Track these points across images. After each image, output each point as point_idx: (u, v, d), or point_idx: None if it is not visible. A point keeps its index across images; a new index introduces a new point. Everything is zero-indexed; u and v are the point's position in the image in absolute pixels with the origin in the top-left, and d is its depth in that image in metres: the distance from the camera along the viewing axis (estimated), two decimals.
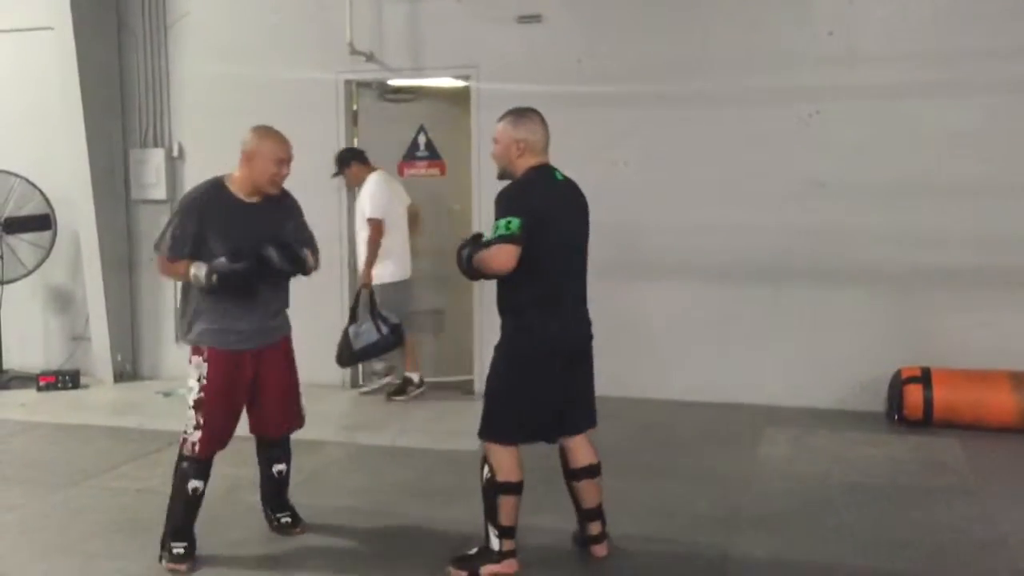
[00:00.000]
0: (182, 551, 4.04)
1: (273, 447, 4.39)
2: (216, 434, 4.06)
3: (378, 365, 7.37)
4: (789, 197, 6.67)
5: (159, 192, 7.89)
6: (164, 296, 7.87)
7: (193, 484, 4.05)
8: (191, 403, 4.06)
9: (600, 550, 4.14)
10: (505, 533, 3.88)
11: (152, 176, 7.91)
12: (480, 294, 7.23)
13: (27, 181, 7.73)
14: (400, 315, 6.75)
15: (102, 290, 7.80)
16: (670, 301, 6.94)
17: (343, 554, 4.20)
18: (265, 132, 4.14)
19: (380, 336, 6.60)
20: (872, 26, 6.53)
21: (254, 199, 4.11)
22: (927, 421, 6.14)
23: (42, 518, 4.73)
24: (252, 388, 4.17)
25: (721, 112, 6.76)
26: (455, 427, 6.34)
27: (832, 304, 6.64)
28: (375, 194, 6.87)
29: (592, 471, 4.08)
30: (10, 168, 7.73)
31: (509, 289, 3.85)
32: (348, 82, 7.52)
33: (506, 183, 3.94)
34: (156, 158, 7.89)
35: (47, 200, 7.76)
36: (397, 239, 7.00)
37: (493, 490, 3.87)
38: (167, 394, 7.24)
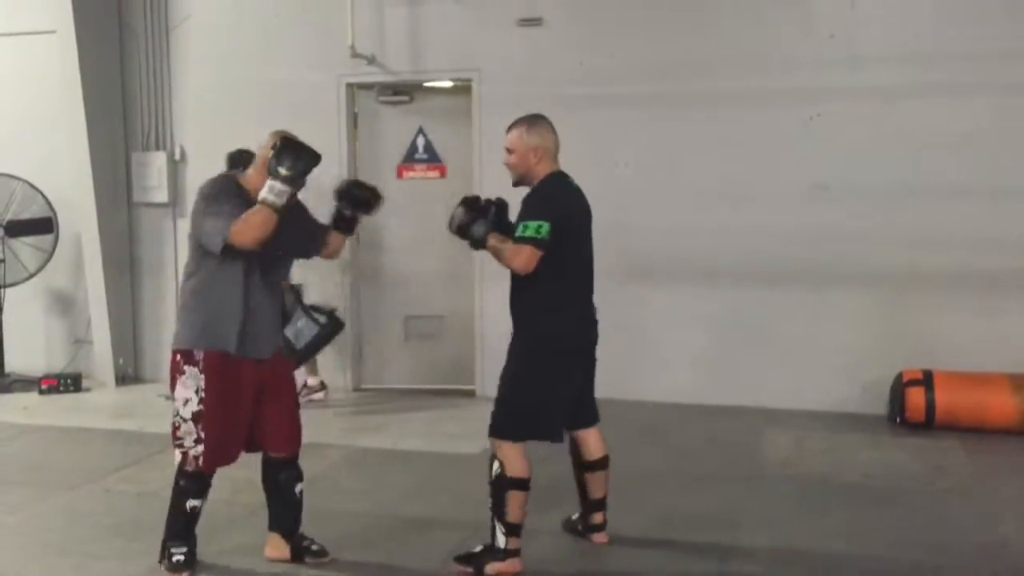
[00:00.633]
0: (182, 558, 3.93)
1: (291, 465, 4.09)
2: (221, 447, 3.86)
3: (311, 380, 7.09)
4: (790, 199, 6.67)
5: (161, 195, 7.90)
6: (166, 299, 7.88)
7: (192, 503, 3.89)
8: (188, 415, 3.82)
9: (602, 538, 4.30)
10: (512, 531, 3.92)
11: (154, 179, 7.92)
12: (481, 300, 7.25)
13: (29, 184, 7.74)
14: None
15: (104, 293, 7.81)
16: (671, 303, 6.94)
17: (344, 557, 4.19)
18: (281, 136, 3.91)
19: (320, 327, 6.56)
20: (873, 28, 6.53)
21: None
22: (929, 423, 6.13)
23: (43, 521, 4.74)
24: (259, 401, 3.94)
25: (722, 114, 6.76)
26: (455, 430, 6.34)
27: (834, 306, 6.64)
28: None
29: (604, 463, 4.26)
30: (12, 171, 7.74)
31: (530, 290, 3.94)
32: (350, 85, 7.53)
33: (523, 189, 4.06)
34: (158, 161, 7.91)
35: (49, 203, 7.77)
36: None
37: (502, 486, 3.90)
38: (169, 397, 7.21)
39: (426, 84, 7.53)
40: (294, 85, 7.51)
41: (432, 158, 7.57)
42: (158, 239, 8.00)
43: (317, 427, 6.41)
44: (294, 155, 3.72)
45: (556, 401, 4.00)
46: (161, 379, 7.93)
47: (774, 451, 5.80)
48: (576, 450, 4.29)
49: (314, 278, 7.26)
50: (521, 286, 3.98)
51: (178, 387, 3.88)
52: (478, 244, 4.02)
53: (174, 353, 3.90)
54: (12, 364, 7.91)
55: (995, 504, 4.84)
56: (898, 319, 6.53)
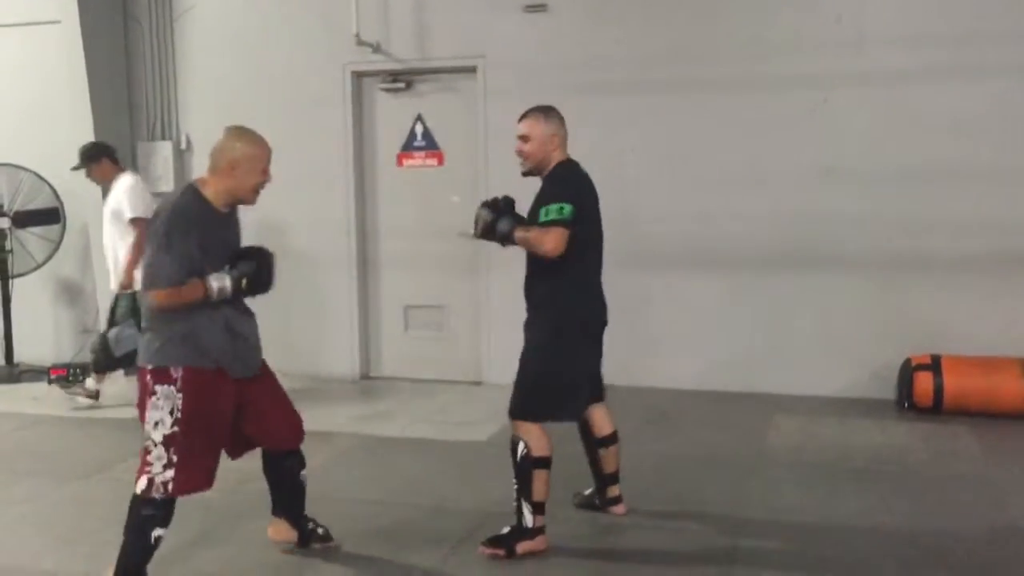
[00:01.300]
0: None
1: (295, 454, 4.01)
2: (195, 473, 3.59)
3: (91, 382, 6.85)
4: (798, 184, 6.65)
5: (167, 185, 7.90)
6: None
7: (157, 533, 3.55)
8: (160, 439, 3.53)
9: (621, 509, 4.46)
10: (537, 509, 4.01)
11: (160, 169, 7.93)
12: (488, 288, 7.24)
13: (36, 175, 7.75)
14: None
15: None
16: (678, 289, 6.94)
17: (354, 544, 4.21)
18: (249, 137, 3.72)
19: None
20: (881, 12, 6.49)
21: (226, 210, 3.70)
22: (937, 408, 6.13)
23: (54, 510, 4.76)
24: (250, 406, 3.77)
25: (729, 99, 6.73)
26: (464, 417, 6.35)
27: (841, 291, 6.63)
28: (139, 193, 6.48)
29: (615, 437, 4.42)
30: (19, 162, 7.76)
31: (553, 271, 3.99)
32: (355, 73, 7.51)
33: (525, 182, 4.13)
34: (164, 151, 7.92)
35: (56, 194, 7.78)
36: None
37: (529, 465, 3.98)
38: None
39: (430, 71, 7.50)
40: (299, 73, 7.51)
41: (430, 145, 7.54)
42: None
43: (325, 416, 6.44)
44: (263, 282, 3.72)
45: (581, 379, 4.14)
46: None
47: (783, 437, 5.80)
48: (587, 428, 4.40)
49: (323, 270, 7.26)
50: (542, 268, 4.03)
51: (149, 409, 3.56)
52: (506, 239, 4.05)
53: (143, 370, 3.59)
54: (21, 354, 7.95)
55: (1004, 488, 4.83)
56: (906, 304, 6.52)
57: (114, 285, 6.59)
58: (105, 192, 6.78)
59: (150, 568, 3.62)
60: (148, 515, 3.54)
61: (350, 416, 6.55)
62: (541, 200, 3.98)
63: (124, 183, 6.56)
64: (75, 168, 6.75)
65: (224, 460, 3.80)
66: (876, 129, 6.50)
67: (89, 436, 6.16)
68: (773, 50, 6.65)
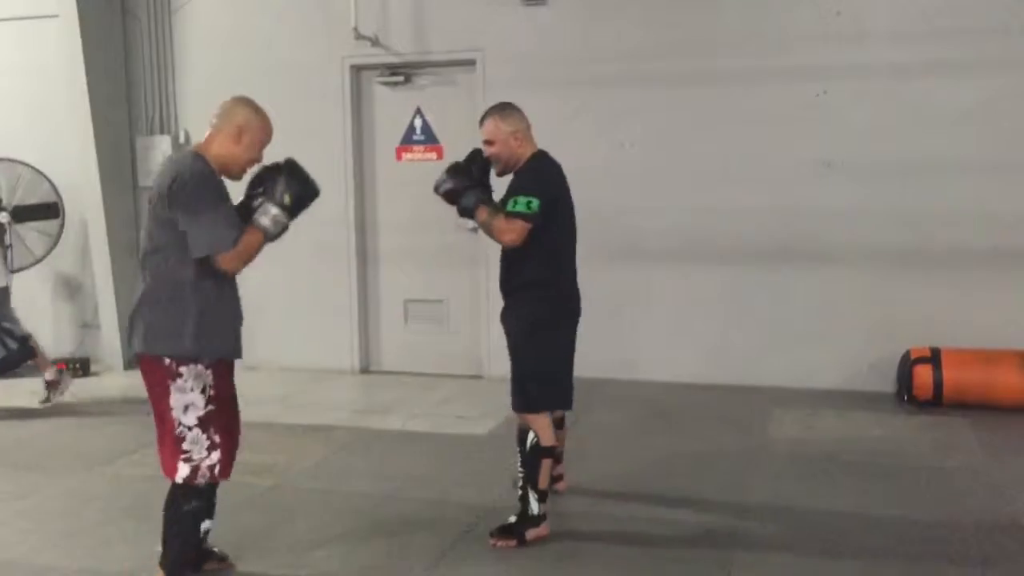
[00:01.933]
0: None
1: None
2: (233, 449, 3.51)
3: (49, 374, 6.73)
4: (796, 177, 6.65)
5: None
6: None
7: (206, 525, 3.49)
8: (194, 421, 3.39)
9: (563, 486, 4.62)
10: (542, 497, 4.11)
11: (159, 163, 7.88)
12: (487, 282, 7.22)
13: (34, 169, 7.73)
14: (10, 321, 6.57)
15: (111, 277, 7.84)
16: (677, 282, 6.93)
17: (354, 538, 4.21)
18: (261, 111, 3.56)
19: (7, 352, 6.51)
20: (880, 5, 6.48)
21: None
22: (936, 401, 6.13)
23: (55, 504, 4.76)
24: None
25: (728, 92, 6.72)
26: (464, 411, 6.35)
27: (840, 284, 6.63)
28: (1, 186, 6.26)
29: (563, 423, 4.60)
30: (17, 156, 7.74)
31: (531, 261, 4.06)
32: (354, 66, 7.50)
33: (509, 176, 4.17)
34: (163, 145, 7.90)
35: (55, 188, 7.77)
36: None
37: (537, 455, 4.07)
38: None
39: (429, 64, 7.48)
40: (297, 67, 7.50)
41: (429, 139, 7.53)
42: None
43: (325, 409, 6.45)
44: (302, 186, 3.50)
45: (568, 362, 4.25)
46: None
47: (782, 429, 5.81)
48: None
49: (323, 263, 7.25)
50: (519, 258, 4.09)
51: (173, 394, 3.40)
52: (467, 213, 4.14)
53: (158, 358, 3.41)
54: None
55: (1003, 481, 4.84)
56: (905, 297, 6.51)
57: None
58: None
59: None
60: (195, 507, 3.42)
61: (350, 410, 6.56)
62: (513, 190, 4.05)
63: None
64: None
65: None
66: (875, 122, 6.49)
67: (88, 430, 6.16)
68: (772, 43, 6.64)
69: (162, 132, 7.95)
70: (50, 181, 7.76)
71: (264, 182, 3.53)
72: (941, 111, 6.37)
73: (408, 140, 7.56)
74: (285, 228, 3.49)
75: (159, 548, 3.55)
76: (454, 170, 4.19)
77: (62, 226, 7.82)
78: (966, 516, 4.35)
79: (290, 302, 7.59)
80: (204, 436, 3.40)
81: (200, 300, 3.40)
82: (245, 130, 3.48)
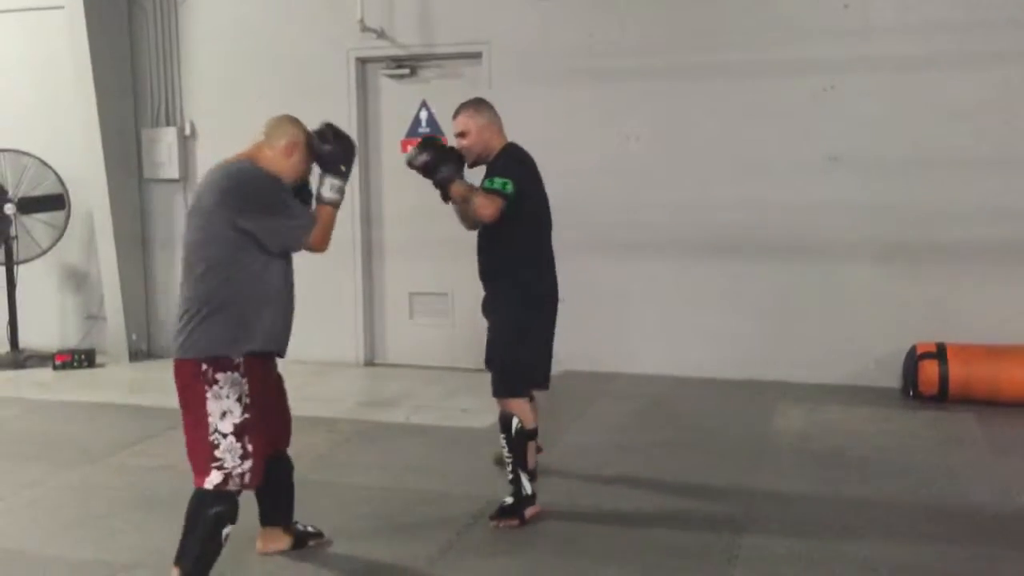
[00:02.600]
0: None
1: (284, 456, 3.83)
2: (263, 457, 3.52)
3: None
4: (803, 171, 6.63)
5: (172, 171, 7.91)
6: (178, 274, 7.88)
7: (227, 531, 3.42)
8: (230, 429, 3.37)
9: (542, 453, 4.67)
10: (532, 476, 4.26)
11: (164, 155, 7.93)
12: None
13: (40, 161, 7.75)
14: None
15: (116, 269, 7.84)
16: (682, 276, 6.92)
17: (357, 530, 4.22)
18: (305, 128, 3.68)
19: None
20: None
21: None
22: (942, 396, 6.12)
23: (61, 495, 4.77)
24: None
25: (734, 86, 6.71)
26: (469, 404, 6.35)
27: (847, 279, 6.62)
28: None
29: (535, 406, 4.53)
30: (23, 148, 7.75)
31: (508, 250, 4.19)
32: (359, 59, 7.49)
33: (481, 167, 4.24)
34: (168, 137, 7.91)
35: (60, 180, 7.78)
36: None
37: (522, 438, 4.21)
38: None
39: (434, 57, 7.47)
40: (303, 59, 7.49)
41: (435, 132, 7.49)
42: (169, 215, 8.01)
43: (330, 402, 6.46)
44: (348, 150, 3.67)
45: (548, 347, 4.33)
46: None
47: (788, 425, 5.80)
48: None
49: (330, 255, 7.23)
50: (500, 243, 4.19)
51: (210, 400, 3.37)
52: (442, 184, 4.20)
53: (195, 363, 3.38)
54: (26, 340, 7.96)
55: (1010, 476, 4.83)
56: (912, 291, 6.50)
57: None
58: None
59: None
60: (220, 512, 3.37)
61: (355, 403, 6.57)
62: (490, 173, 4.14)
63: None
64: None
65: None
66: (882, 116, 6.47)
67: (95, 422, 6.17)
68: (779, 36, 6.62)
69: (168, 124, 7.95)
70: (56, 173, 7.77)
71: (316, 156, 3.67)
72: (948, 105, 6.34)
73: (414, 132, 7.54)
74: (343, 193, 3.68)
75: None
76: (429, 143, 4.26)
77: (68, 217, 7.84)
78: (972, 512, 4.35)
79: (295, 294, 7.57)
80: (239, 444, 3.40)
81: (239, 301, 3.45)
82: (295, 148, 3.61)
